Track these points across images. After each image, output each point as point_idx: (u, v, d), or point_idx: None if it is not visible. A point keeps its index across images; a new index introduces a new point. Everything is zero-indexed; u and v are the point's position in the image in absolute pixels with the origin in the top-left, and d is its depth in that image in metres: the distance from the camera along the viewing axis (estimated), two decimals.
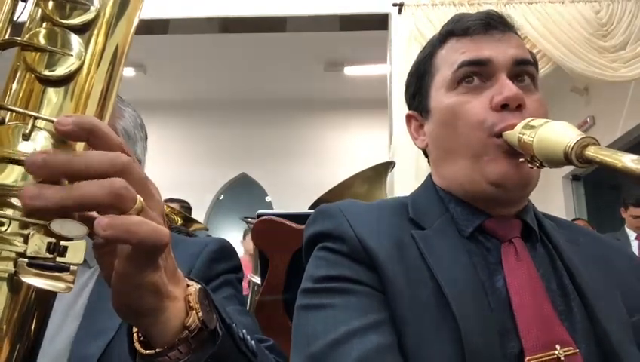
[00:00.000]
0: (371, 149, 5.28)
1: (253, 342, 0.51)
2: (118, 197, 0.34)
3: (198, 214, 5.35)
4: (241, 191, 7.09)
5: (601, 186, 5.36)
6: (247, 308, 1.70)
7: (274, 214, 1.39)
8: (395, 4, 3.78)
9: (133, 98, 0.92)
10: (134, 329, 0.44)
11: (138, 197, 0.36)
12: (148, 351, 0.42)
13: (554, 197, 5.46)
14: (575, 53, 3.51)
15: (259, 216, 1.39)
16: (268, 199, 6.72)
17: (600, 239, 0.80)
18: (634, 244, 3.84)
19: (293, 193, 5.89)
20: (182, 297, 0.43)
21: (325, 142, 6.78)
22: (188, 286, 0.44)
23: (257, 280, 1.59)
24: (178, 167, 6.19)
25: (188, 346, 0.42)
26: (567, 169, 5.15)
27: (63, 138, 0.35)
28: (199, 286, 0.45)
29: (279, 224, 1.36)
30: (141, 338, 0.43)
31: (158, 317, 0.41)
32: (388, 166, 1.83)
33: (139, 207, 0.36)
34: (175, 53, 5.53)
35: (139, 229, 0.35)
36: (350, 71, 6.06)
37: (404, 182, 3.23)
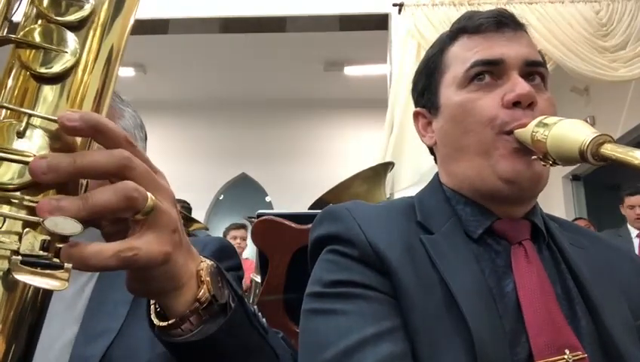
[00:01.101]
0: (371, 149, 5.28)
1: (264, 319, 0.53)
2: (131, 201, 0.35)
3: (198, 214, 5.35)
4: (241, 191, 7.09)
5: (601, 186, 5.36)
6: None
7: (274, 214, 1.40)
8: (395, 5, 3.78)
9: (133, 98, 0.92)
10: (152, 301, 0.46)
11: (149, 195, 0.37)
12: (162, 323, 0.44)
13: (554, 197, 5.47)
14: (575, 53, 3.51)
15: (259, 216, 1.40)
16: (268, 199, 6.72)
17: (603, 242, 0.79)
18: (635, 242, 3.84)
19: (293, 193, 5.89)
20: (194, 272, 0.44)
21: (325, 142, 6.78)
22: (200, 261, 0.45)
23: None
24: (178, 167, 6.19)
25: (199, 318, 0.44)
26: (567, 169, 5.15)
27: (58, 135, 0.35)
28: (211, 262, 0.46)
29: (279, 224, 1.36)
30: (157, 310, 0.45)
31: (173, 293, 0.42)
32: (387, 166, 1.84)
33: (150, 206, 0.37)
34: (175, 53, 5.53)
35: (95, 259, 0.34)
36: (350, 71, 6.07)
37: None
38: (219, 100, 6.60)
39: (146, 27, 3.88)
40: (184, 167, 6.18)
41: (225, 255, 0.83)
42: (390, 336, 0.60)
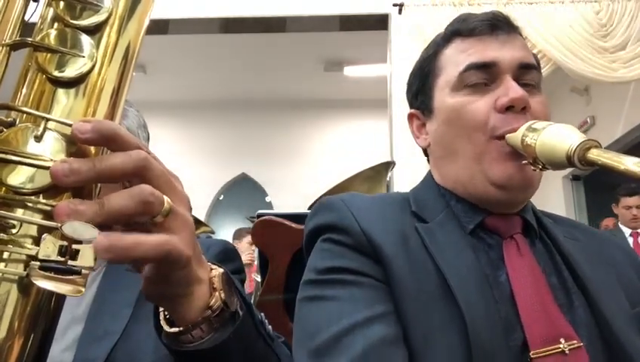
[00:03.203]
0: (371, 149, 5.29)
1: (270, 327, 0.53)
2: (148, 205, 0.35)
3: (198, 214, 5.35)
4: (241, 191, 7.09)
5: (601, 186, 5.36)
6: None
7: (274, 214, 1.40)
8: (395, 5, 3.78)
9: (134, 98, 0.92)
10: (160, 308, 0.45)
11: (165, 199, 0.37)
12: (172, 329, 0.43)
13: (554, 197, 5.47)
14: (575, 54, 3.51)
15: (259, 216, 1.40)
16: (268, 199, 6.72)
17: (597, 234, 0.81)
18: (630, 241, 3.85)
19: (293, 193, 5.89)
20: (206, 279, 0.44)
21: (325, 142, 6.78)
22: (211, 269, 0.45)
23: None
24: (178, 167, 6.12)
25: (210, 325, 0.44)
26: (568, 169, 5.15)
27: (74, 139, 0.35)
28: (222, 269, 0.46)
29: (279, 224, 1.36)
30: (167, 316, 0.45)
31: (184, 299, 0.42)
32: (388, 166, 1.84)
33: (167, 209, 0.36)
34: (175, 53, 5.53)
35: (135, 249, 0.35)
36: (350, 71, 6.06)
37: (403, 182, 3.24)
38: (219, 100, 6.59)
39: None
40: (184, 167, 6.16)
41: (228, 257, 0.84)
42: (381, 320, 0.60)
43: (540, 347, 0.59)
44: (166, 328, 0.44)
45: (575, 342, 0.60)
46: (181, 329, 0.43)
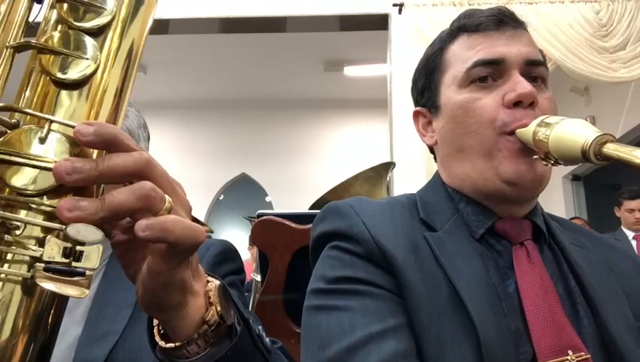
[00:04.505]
0: (371, 149, 5.29)
1: (267, 339, 0.52)
2: (149, 200, 0.35)
3: (198, 214, 5.35)
4: (241, 191, 7.09)
5: (601, 186, 5.36)
6: (250, 307, 1.70)
7: (274, 214, 1.40)
8: (395, 5, 3.78)
9: (134, 98, 0.92)
10: (155, 322, 0.45)
11: (166, 197, 0.36)
12: (168, 345, 0.43)
13: (554, 197, 5.47)
14: (575, 54, 3.51)
15: (259, 216, 1.40)
16: (268, 199, 6.72)
17: (603, 241, 0.79)
18: (633, 244, 3.83)
19: (293, 193, 5.90)
20: (202, 292, 0.43)
21: (325, 142, 6.79)
22: (208, 281, 0.45)
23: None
24: (178, 167, 6.18)
25: (206, 341, 0.43)
26: (567, 169, 5.16)
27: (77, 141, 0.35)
28: (219, 282, 0.45)
29: (279, 224, 1.36)
30: (161, 331, 0.44)
31: (180, 312, 0.41)
32: (388, 166, 1.84)
33: (168, 207, 0.36)
34: (175, 53, 5.53)
35: (175, 228, 0.36)
36: (350, 71, 6.06)
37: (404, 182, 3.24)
38: (219, 100, 6.59)
39: None
40: (184, 167, 6.17)
41: (228, 257, 0.83)
42: (395, 334, 0.59)
43: (547, 358, 0.58)
44: (161, 344, 0.43)
45: (583, 353, 0.59)
46: (177, 344, 0.42)
